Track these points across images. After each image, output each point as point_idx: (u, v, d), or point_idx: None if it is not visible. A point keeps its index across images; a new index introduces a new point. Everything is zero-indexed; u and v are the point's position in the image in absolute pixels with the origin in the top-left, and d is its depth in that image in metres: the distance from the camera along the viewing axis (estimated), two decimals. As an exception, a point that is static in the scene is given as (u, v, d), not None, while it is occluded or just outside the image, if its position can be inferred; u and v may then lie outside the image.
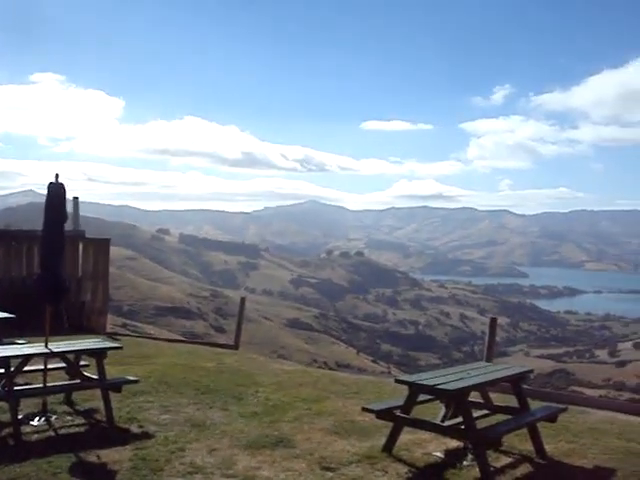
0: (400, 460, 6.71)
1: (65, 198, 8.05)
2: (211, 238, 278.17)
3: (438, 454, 6.95)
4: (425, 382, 6.53)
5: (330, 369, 40.89)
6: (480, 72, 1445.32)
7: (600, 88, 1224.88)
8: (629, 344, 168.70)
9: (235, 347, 14.93)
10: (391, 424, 6.95)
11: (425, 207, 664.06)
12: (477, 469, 6.31)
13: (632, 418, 9.36)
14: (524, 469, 6.71)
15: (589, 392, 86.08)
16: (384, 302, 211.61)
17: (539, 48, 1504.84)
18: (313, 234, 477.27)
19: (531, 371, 8.07)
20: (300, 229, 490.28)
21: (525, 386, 8.65)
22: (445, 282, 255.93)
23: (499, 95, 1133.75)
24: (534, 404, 8.09)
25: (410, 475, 6.31)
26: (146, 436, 7.34)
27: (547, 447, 7.20)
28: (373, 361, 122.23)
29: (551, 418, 7.21)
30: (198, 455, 6.71)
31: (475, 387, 6.84)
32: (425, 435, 7.43)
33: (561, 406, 7.69)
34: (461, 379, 6.67)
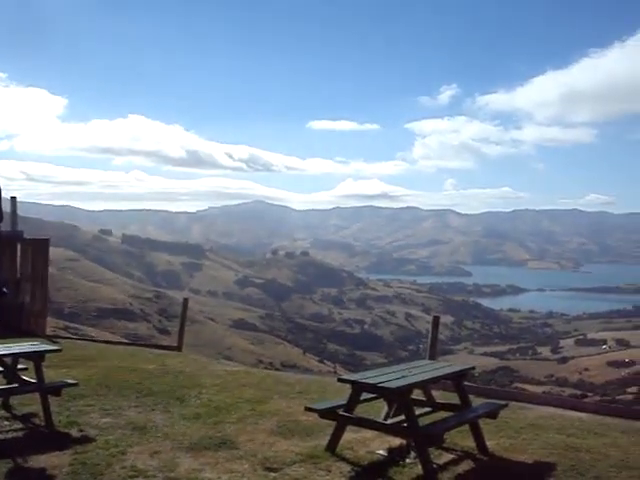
0: (343, 459, 6.71)
1: (1, 198, 7.87)
2: (154, 238, 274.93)
3: (381, 452, 6.97)
4: (368, 381, 6.55)
5: (276, 370, 40.84)
6: (428, 72, 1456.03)
7: (544, 89, 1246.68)
8: (571, 341, 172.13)
9: (178, 349, 14.78)
10: (335, 423, 6.95)
11: (370, 207, 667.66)
12: (420, 466, 6.34)
13: (572, 413, 9.54)
14: (466, 465, 6.77)
15: (532, 389, 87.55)
16: (330, 302, 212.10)
17: (485, 48, 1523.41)
18: (258, 234, 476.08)
19: (472, 368, 8.15)
20: (245, 229, 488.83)
21: (467, 383, 8.75)
22: (390, 281, 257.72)
23: (445, 95, 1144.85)
24: (476, 401, 8.18)
25: (353, 474, 6.31)
26: (86, 440, 7.20)
27: (489, 443, 7.29)
28: (319, 361, 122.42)
29: (492, 414, 7.29)
30: (139, 458, 6.61)
31: (417, 385, 6.88)
32: (369, 434, 7.44)
33: (502, 402, 7.78)
34: (403, 377, 6.71)
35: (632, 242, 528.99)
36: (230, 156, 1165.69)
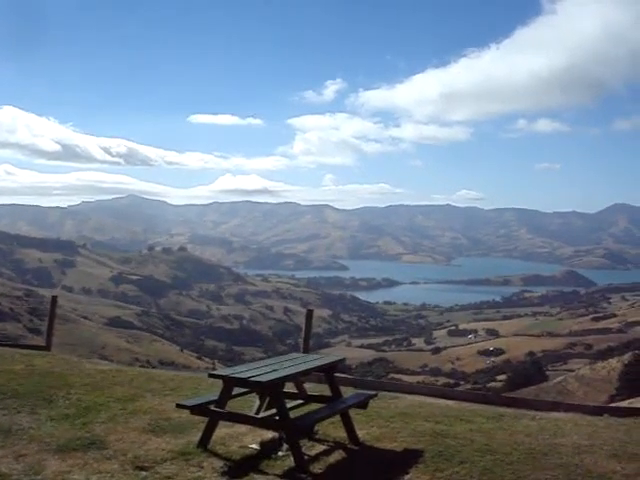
0: (216, 455, 6.67)
1: None
2: (24, 234, 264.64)
3: (254, 446, 6.97)
4: (239, 375, 6.53)
5: (153, 368, 40.14)
6: (314, 66, 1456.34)
7: (424, 87, 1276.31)
8: (443, 331, 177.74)
9: (47, 348, 14.27)
10: (207, 419, 6.91)
11: (248, 202, 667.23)
12: (292, 458, 6.38)
13: (440, 401, 9.86)
14: (337, 456, 6.86)
15: (407, 379, 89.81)
16: (208, 298, 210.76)
17: (369, 43, 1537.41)
18: (134, 230, 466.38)
19: (342, 360, 8.25)
20: (120, 224, 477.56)
21: (341, 375, 8.87)
22: (269, 276, 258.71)
23: (330, 90, 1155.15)
24: (349, 392, 8.31)
25: (226, 469, 6.28)
26: (-54, 446, 6.87)
27: (360, 433, 7.41)
28: (198, 357, 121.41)
29: (362, 404, 7.42)
30: (3, 462, 6.33)
31: (289, 378, 6.91)
32: (242, 428, 7.43)
33: (372, 393, 7.93)
34: (274, 371, 6.73)
35: (500, 236, 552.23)
36: (107, 150, 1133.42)
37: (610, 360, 69.07)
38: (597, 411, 9.76)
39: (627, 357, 61.89)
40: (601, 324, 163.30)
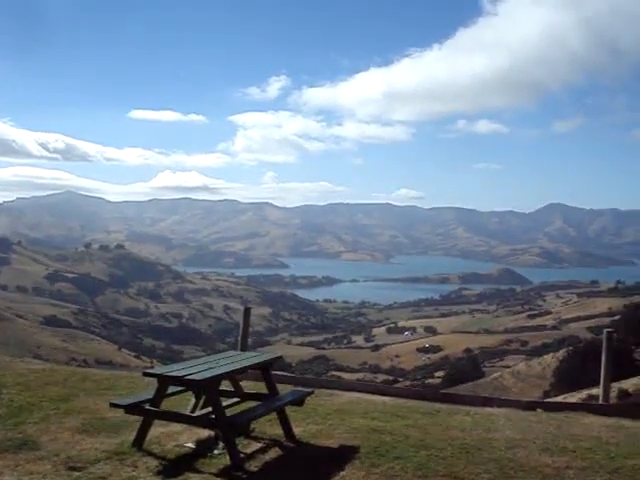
0: (151, 454, 6.60)
1: None
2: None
3: (190, 445, 6.93)
4: (174, 373, 6.48)
5: (90, 367, 39.54)
6: (258, 62, 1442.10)
7: (366, 86, 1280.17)
8: (383, 329, 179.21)
9: (-22, 348, 13.94)
10: (141, 418, 6.83)
11: (188, 199, 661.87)
12: (228, 457, 6.36)
13: (376, 398, 9.94)
14: (273, 453, 6.86)
15: (347, 376, 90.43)
16: (146, 296, 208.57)
17: (314, 40, 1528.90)
18: (71, 226, 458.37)
19: (279, 358, 8.25)
20: (57, 221, 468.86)
21: (280, 372, 8.88)
22: (208, 274, 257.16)
23: (274, 87, 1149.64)
24: (286, 389, 8.31)
25: (160, 468, 6.22)
26: None
27: (296, 430, 7.42)
28: (136, 356, 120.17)
29: (299, 402, 7.42)
30: None
31: (224, 376, 6.88)
32: (177, 427, 7.38)
33: (308, 390, 7.95)
34: (210, 368, 6.69)
35: (439, 235, 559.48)
36: (44, 145, 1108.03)
37: (545, 356, 70.62)
38: (530, 406, 9.96)
39: (561, 353, 63.23)
40: (536, 321, 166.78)
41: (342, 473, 6.18)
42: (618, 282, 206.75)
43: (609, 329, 10.97)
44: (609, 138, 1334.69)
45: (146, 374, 6.92)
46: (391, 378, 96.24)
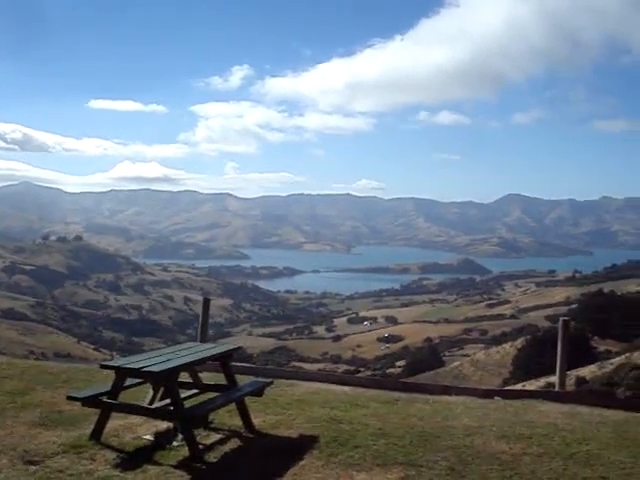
0: (109, 447, 6.55)
1: None
2: None
3: (148, 437, 6.89)
4: (131, 365, 6.43)
5: (48, 360, 39.05)
6: (220, 51, 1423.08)
7: (329, 76, 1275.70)
8: (344, 319, 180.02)
9: None
10: (99, 411, 6.78)
11: (148, 190, 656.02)
12: (187, 448, 6.34)
13: (336, 387, 9.99)
14: (233, 444, 6.86)
15: (308, 367, 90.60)
16: (105, 288, 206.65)
17: (277, 29, 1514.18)
18: (28, 218, 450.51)
19: (238, 349, 8.24)
20: (13, 213, 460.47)
21: (240, 364, 8.86)
22: (168, 266, 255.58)
23: (236, 76, 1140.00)
24: (246, 380, 8.30)
25: (119, 460, 6.18)
26: None
27: (256, 421, 7.43)
28: (95, 349, 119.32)
29: (258, 392, 7.42)
30: None
31: (183, 367, 6.85)
32: (136, 419, 7.33)
33: (267, 380, 7.94)
34: (169, 360, 6.66)
35: (399, 225, 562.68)
36: (1, 136, 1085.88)
37: (504, 345, 71.66)
38: (488, 394, 10.08)
39: (520, 342, 64.24)
40: (495, 310, 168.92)
41: (301, 463, 6.20)
42: (575, 271, 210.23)
43: (565, 317, 11.14)
44: (568, 130, 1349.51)
45: (103, 366, 6.87)
46: (352, 368, 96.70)
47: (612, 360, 43.69)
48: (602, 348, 59.98)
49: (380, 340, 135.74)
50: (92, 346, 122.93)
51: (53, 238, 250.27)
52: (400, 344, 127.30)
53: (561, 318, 11.07)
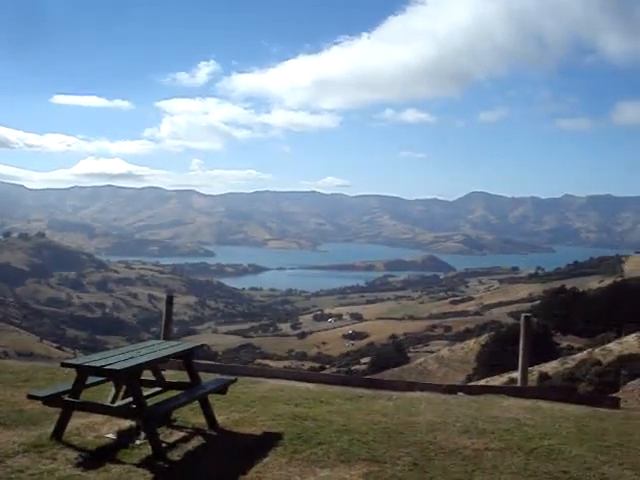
0: (71, 446, 6.48)
1: None
2: None
3: (110, 436, 6.84)
4: (93, 364, 6.37)
5: (10, 359, 38.53)
6: (187, 47, 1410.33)
7: (296, 73, 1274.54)
8: (309, 316, 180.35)
9: None
10: (61, 410, 6.70)
11: (111, 186, 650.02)
12: (149, 447, 6.30)
13: (300, 384, 10.00)
14: (196, 442, 6.83)
15: (274, 364, 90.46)
16: (68, 285, 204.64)
17: (244, 25, 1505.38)
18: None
19: (201, 346, 8.23)
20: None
21: (207, 361, 8.81)
22: (132, 263, 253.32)
23: (203, 72, 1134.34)
24: (210, 378, 8.27)
25: (80, 460, 6.12)
26: None
27: (219, 418, 7.40)
28: (58, 347, 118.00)
29: (221, 390, 7.40)
30: None
31: (145, 365, 6.80)
32: (98, 418, 7.27)
33: (231, 378, 7.92)
34: (131, 358, 6.61)
35: (363, 222, 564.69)
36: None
37: (468, 341, 72.23)
38: (451, 390, 10.17)
39: (484, 338, 64.77)
40: (459, 307, 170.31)
41: (265, 460, 6.19)
42: (538, 268, 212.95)
43: (527, 314, 11.28)
44: (532, 128, 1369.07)
45: (64, 364, 6.79)
46: (317, 365, 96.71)
47: (574, 356, 44.24)
48: (564, 344, 60.80)
49: (345, 337, 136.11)
50: (55, 344, 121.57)
51: (15, 235, 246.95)
52: (365, 341, 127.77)
53: (523, 315, 11.21)
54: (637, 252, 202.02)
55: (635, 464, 6.38)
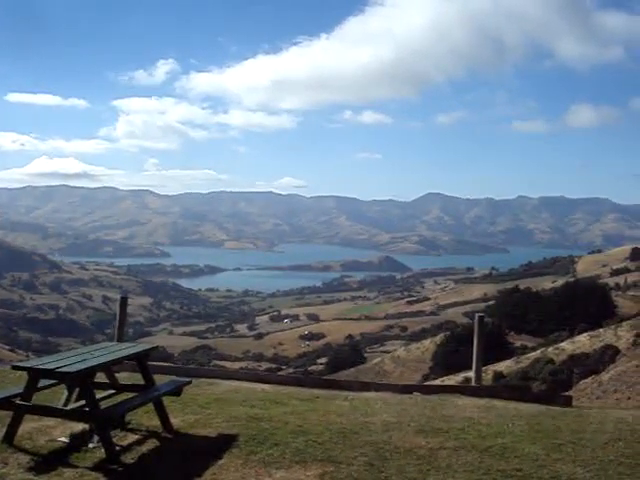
0: (22, 450, 6.38)
1: None
2: None
3: (63, 439, 6.75)
4: (45, 366, 6.27)
5: (-42, 361, 37.79)
6: (145, 45, 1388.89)
7: (254, 73, 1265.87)
8: (266, 317, 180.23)
9: None
10: (12, 413, 6.59)
11: (65, 186, 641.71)
12: (103, 450, 6.23)
13: (256, 385, 10.00)
14: (150, 445, 6.77)
15: (230, 365, 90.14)
16: (21, 287, 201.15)
17: (203, 23, 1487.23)
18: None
19: (155, 348, 8.13)
20: None
21: (162, 363, 8.74)
22: (86, 264, 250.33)
23: (161, 71, 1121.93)
24: (165, 380, 8.21)
25: (32, 464, 6.03)
26: None
27: (174, 420, 7.35)
28: (10, 350, 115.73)
29: (176, 392, 7.35)
30: None
31: (99, 367, 6.73)
32: (50, 421, 7.16)
33: (186, 380, 7.87)
34: (84, 360, 6.53)
35: (320, 223, 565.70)
36: None
37: (424, 341, 72.76)
38: (406, 390, 10.24)
39: (439, 338, 65.37)
40: (415, 307, 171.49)
41: (220, 462, 6.17)
42: (493, 269, 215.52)
43: (480, 314, 11.42)
44: (488, 131, 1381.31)
45: (15, 367, 6.68)
46: (274, 366, 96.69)
47: (528, 355, 44.96)
48: (518, 343, 61.65)
49: (302, 338, 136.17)
50: (7, 347, 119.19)
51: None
52: (322, 341, 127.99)
53: (476, 314, 11.35)
54: (589, 253, 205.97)
55: (587, 461, 6.48)
